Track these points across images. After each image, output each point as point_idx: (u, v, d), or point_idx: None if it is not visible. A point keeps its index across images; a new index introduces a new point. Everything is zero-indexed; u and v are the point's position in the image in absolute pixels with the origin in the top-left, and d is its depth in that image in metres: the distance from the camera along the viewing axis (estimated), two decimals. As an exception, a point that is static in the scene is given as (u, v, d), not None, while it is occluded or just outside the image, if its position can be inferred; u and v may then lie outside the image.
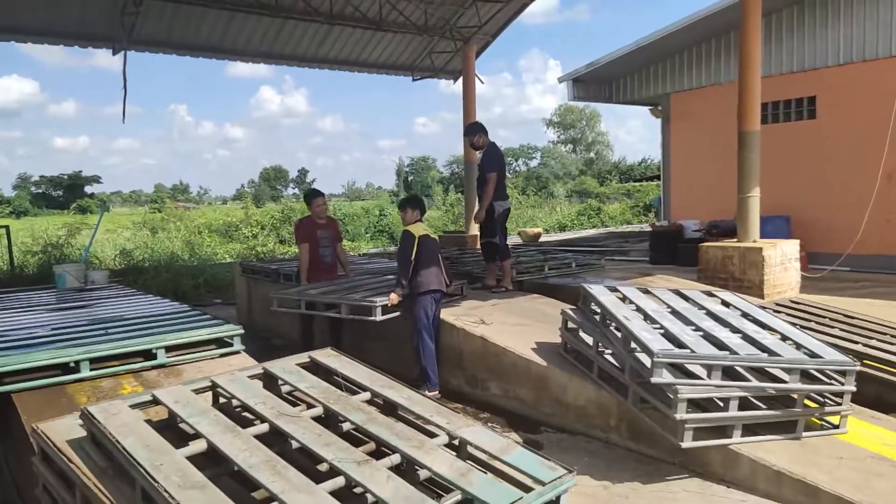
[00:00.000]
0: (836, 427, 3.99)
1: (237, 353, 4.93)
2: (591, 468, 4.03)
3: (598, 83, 14.88)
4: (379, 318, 5.51)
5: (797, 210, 11.21)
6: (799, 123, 11.59)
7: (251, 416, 3.01)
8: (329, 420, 2.96)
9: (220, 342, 4.93)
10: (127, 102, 8.85)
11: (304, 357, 3.48)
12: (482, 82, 12.51)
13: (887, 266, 10.34)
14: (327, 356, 3.49)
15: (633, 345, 4.06)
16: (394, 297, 5.50)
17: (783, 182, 11.09)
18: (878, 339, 5.19)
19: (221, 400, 3.16)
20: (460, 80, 12.55)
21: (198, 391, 3.05)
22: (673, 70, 13.58)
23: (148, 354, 4.44)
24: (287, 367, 3.32)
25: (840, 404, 3.97)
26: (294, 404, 3.15)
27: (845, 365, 3.90)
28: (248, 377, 3.21)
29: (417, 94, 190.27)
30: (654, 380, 3.74)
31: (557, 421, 4.83)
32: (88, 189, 64.87)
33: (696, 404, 3.77)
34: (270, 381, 3.27)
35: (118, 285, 7.44)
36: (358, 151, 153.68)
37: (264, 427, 2.75)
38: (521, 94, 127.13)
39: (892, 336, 5.29)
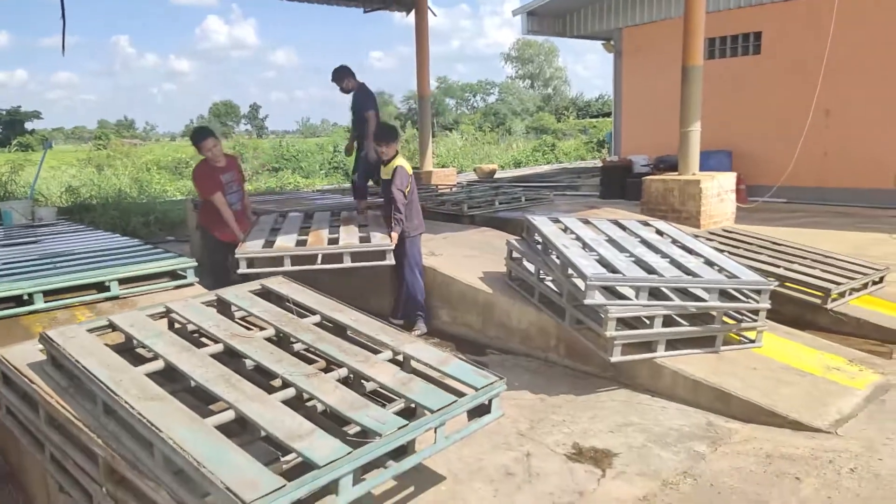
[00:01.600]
0: (753, 341, 4.38)
1: (191, 285, 5.03)
2: (531, 384, 4.36)
3: (552, 16, 14.79)
4: (391, 262, 5.28)
5: (739, 144, 11.61)
6: (744, 59, 11.85)
7: (205, 340, 3.17)
8: (281, 341, 3.14)
9: (173, 275, 5.02)
10: (66, 33, 8.43)
11: (255, 284, 3.63)
12: (435, 15, 12.31)
13: (821, 198, 10.89)
14: (279, 283, 3.65)
15: (570, 271, 4.32)
16: (395, 237, 5.31)
17: (727, 117, 11.41)
18: (800, 264, 5.60)
19: (176, 325, 3.30)
20: (413, 12, 12.32)
21: (153, 317, 3.19)
22: (625, 4, 13.58)
23: (101, 287, 4.52)
24: (240, 294, 3.47)
25: (756, 321, 4.34)
26: (247, 329, 3.33)
27: (760, 284, 4.26)
28: (202, 303, 3.35)
29: (372, 28, 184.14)
30: (587, 302, 4.02)
31: (502, 344, 5.14)
32: (29, 125, 61.78)
33: (625, 323, 4.08)
34: (223, 307, 3.42)
35: (67, 222, 7.37)
36: (312, 86, 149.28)
37: (219, 347, 2.92)
38: (479, 27, 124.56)
39: (813, 261, 5.70)
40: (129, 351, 3.03)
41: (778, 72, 11.23)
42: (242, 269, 5.05)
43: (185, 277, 5.00)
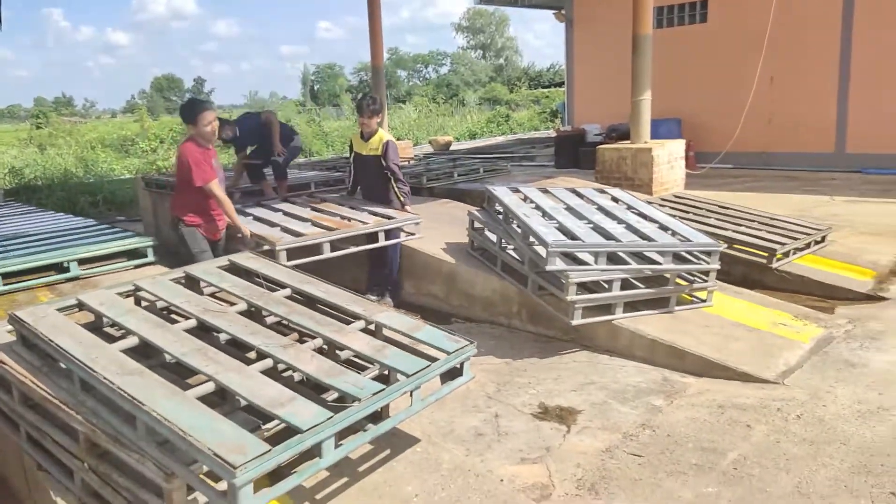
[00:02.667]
0: (704, 301, 4.60)
1: (151, 263, 5.00)
2: (496, 349, 4.50)
3: (504, -14, 14.77)
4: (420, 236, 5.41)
5: (688, 112, 11.90)
6: (692, 27, 12.09)
7: (176, 317, 3.19)
8: (254, 315, 3.18)
9: (133, 254, 4.98)
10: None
11: (223, 260, 3.64)
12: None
13: (766, 162, 11.29)
14: (247, 258, 3.66)
15: (531, 238, 4.45)
16: (409, 210, 5.38)
17: (676, 85, 11.67)
18: (747, 226, 5.87)
19: (144, 303, 3.30)
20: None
21: (121, 294, 3.18)
22: (576, -28, 13.65)
23: (60, 268, 4.46)
24: (208, 270, 3.48)
25: (707, 281, 4.57)
26: (219, 305, 3.35)
27: (710, 246, 4.47)
28: (171, 280, 3.35)
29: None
30: (548, 268, 4.16)
31: (466, 312, 5.26)
32: (-40, 104, 58.56)
33: (584, 287, 4.24)
34: (192, 283, 3.43)
35: (15, 203, 7.14)
36: (258, 58, 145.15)
37: (192, 322, 2.94)
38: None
39: (759, 223, 5.97)
40: (99, 330, 3.02)
41: (724, 40, 11.50)
42: (285, 263, 4.58)
43: (145, 256, 4.97)
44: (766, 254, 5.34)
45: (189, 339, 2.70)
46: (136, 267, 4.89)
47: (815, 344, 4.14)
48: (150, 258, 4.99)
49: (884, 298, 4.94)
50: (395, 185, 5.35)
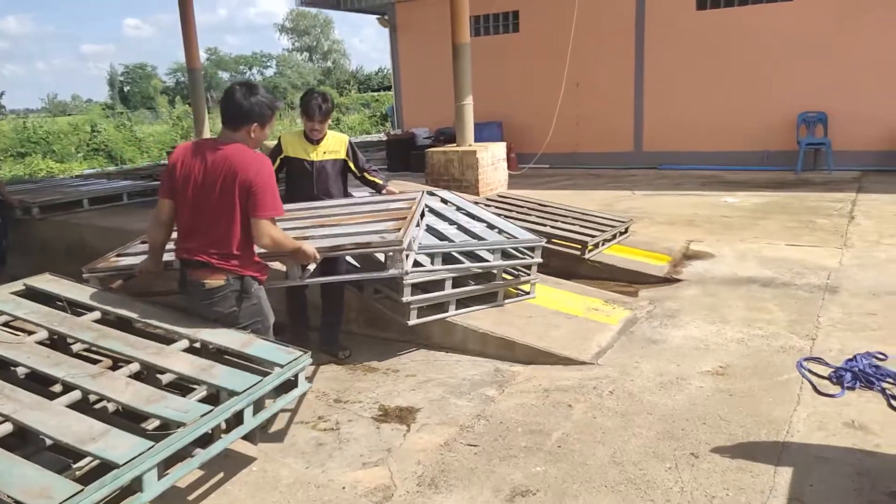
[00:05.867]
0: (529, 293, 4.91)
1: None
2: (332, 353, 4.46)
3: (326, -11, 14.66)
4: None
5: (508, 116, 12.62)
6: (507, 36, 12.84)
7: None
8: (57, 343, 2.87)
9: None
10: None
11: (18, 285, 3.25)
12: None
13: (577, 162, 12.30)
14: (46, 281, 3.30)
15: (363, 242, 4.46)
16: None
17: (496, 90, 12.32)
18: (563, 222, 6.35)
19: (-82, 341, 2.85)
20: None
21: None
22: (397, -21, 13.90)
23: None
24: (0, 297, 3.09)
25: (530, 275, 4.88)
26: (15, 335, 2.98)
27: (533, 242, 4.78)
28: (-50, 312, 2.93)
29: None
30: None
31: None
32: None
33: (420, 287, 4.34)
34: (-21, 314, 3.02)
35: None
36: (57, 58, 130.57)
37: (-21, 359, 2.60)
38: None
39: (573, 218, 6.49)
40: None
41: (534, 49, 12.34)
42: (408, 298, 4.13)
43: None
44: (579, 246, 5.81)
45: (-23, 378, 2.38)
46: None
47: (623, 325, 4.59)
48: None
49: (678, 280, 5.60)
50: (371, 176, 4.75)
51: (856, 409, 3.28)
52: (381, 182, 4.82)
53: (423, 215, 4.57)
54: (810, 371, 3.71)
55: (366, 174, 4.74)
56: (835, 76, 10.17)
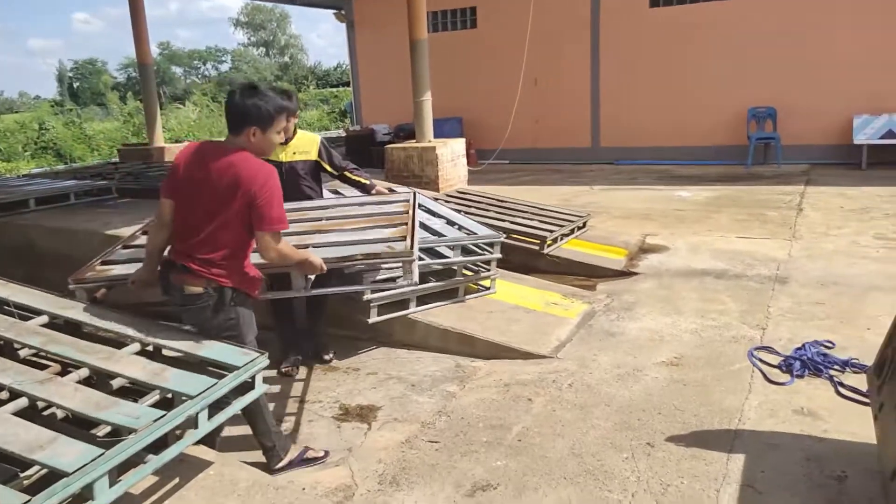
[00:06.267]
0: (489, 289, 4.93)
1: None
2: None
3: (280, -18, 14.44)
4: None
5: (467, 112, 12.66)
6: (464, 32, 12.87)
7: None
8: (3, 349, 2.77)
9: None
10: None
11: (-43, 290, 3.12)
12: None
13: (536, 157, 12.41)
14: (-11, 285, 3.18)
15: (322, 240, 4.41)
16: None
17: (455, 86, 12.34)
18: (522, 217, 6.39)
19: None
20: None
21: None
22: (353, -26, 13.79)
23: None
24: (-63, 303, 2.96)
25: (490, 270, 4.90)
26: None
27: (492, 238, 4.81)
28: None
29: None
30: (347, 270, 4.16)
31: (263, 321, 5.07)
32: None
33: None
34: (-84, 321, 2.89)
35: None
36: (3, 53, 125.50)
37: (-83, 367, 2.48)
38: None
39: (532, 214, 6.54)
40: None
41: (492, 44, 12.40)
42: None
43: None
44: (538, 241, 5.86)
45: (-87, 388, 2.28)
46: None
47: (581, 318, 4.65)
48: None
49: (634, 273, 5.70)
50: (355, 176, 4.58)
51: (805, 397, 3.39)
52: (366, 182, 4.64)
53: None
54: (761, 360, 3.83)
55: (346, 173, 4.54)
56: (783, 72, 10.49)
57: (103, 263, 3.53)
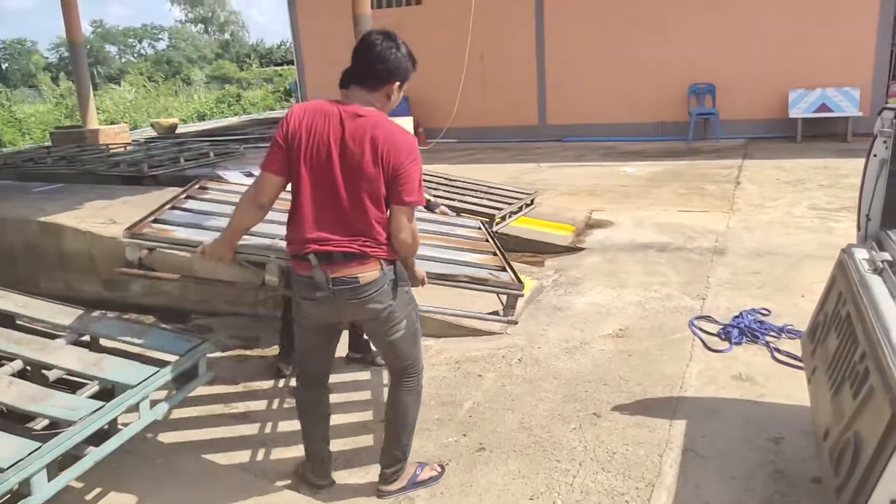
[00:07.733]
0: (438, 268, 4.93)
1: None
2: (241, 339, 4.35)
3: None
4: None
5: (414, 90, 12.42)
6: (409, 8, 12.69)
7: None
8: (-75, 345, 2.63)
9: None
10: None
11: None
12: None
13: (483, 136, 12.42)
14: None
15: (267, 223, 4.32)
16: None
17: (402, 64, 12.18)
18: (471, 195, 6.39)
19: None
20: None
21: None
22: (294, -52, 13.40)
23: None
24: None
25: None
26: None
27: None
28: None
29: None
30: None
31: (206, 307, 4.97)
32: None
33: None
34: None
35: None
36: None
37: None
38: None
39: (482, 192, 6.54)
40: None
41: (437, 21, 12.26)
42: None
43: None
44: (487, 219, 5.87)
45: None
46: None
47: (531, 294, 4.71)
48: None
49: (581, 249, 5.80)
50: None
51: (743, 363, 3.53)
52: (430, 198, 4.35)
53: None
54: (701, 329, 3.96)
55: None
56: (721, 48, 10.74)
57: (156, 221, 3.14)
